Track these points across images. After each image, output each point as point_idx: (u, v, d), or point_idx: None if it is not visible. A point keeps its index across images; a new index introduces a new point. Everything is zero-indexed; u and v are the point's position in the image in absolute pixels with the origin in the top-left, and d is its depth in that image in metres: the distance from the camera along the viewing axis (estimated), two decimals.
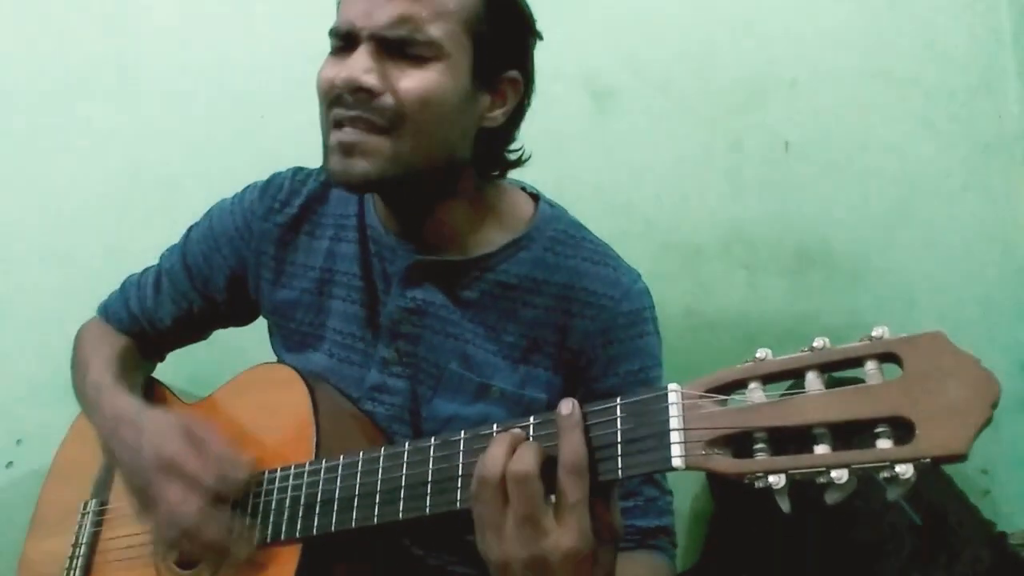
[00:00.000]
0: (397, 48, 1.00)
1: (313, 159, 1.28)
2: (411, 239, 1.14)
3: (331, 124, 1.02)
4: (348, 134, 1.00)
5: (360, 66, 0.99)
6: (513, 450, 0.78)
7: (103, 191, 1.65)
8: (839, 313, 1.94)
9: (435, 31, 1.00)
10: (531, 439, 0.80)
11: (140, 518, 1.06)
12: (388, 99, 0.99)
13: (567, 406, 0.78)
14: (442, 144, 1.05)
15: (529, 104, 1.15)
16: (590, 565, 0.76)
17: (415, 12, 0.99)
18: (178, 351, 1.41)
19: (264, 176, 1.28)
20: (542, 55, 1.15)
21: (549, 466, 0.77)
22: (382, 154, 1.00)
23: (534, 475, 0.76)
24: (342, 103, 1.00)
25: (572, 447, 0.76)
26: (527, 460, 0.76)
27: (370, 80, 0.99)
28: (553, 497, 0.77)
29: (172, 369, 1.41)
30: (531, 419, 0.82)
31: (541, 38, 1.14)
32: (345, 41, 1.02)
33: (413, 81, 1.00)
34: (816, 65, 1.99)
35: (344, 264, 1.19)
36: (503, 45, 1.07)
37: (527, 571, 0.76)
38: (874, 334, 0.66)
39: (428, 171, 1.05)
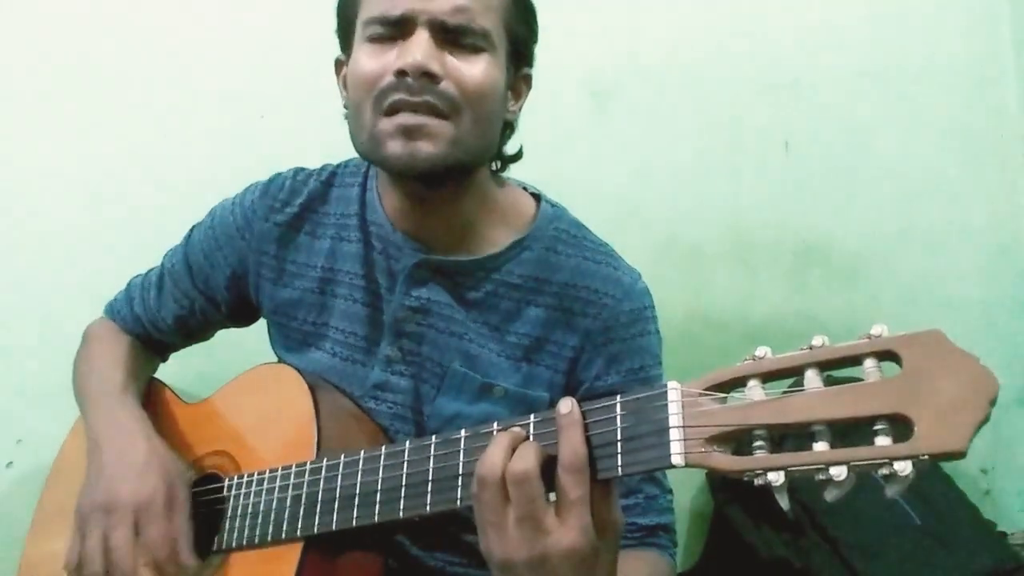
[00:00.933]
0: (452, 37, 1.01)
1: (313, 159, 1.29)
2: (418, 237, 1.14)
3: (383, 110, 1.00)
4: (411, 117, 0.99)
5: (425, 51, 0.99)
6: (513, 449, 0.79)
7: (102, 191, 1.65)
8: (839, 313, 1.94)
9: (486, 23, 1.03)
10: (531, 438, 0.81)
11: (76, 528, 1.07)
12: (449, 86, 1.00)
13: (566, 405, 0.78)
14: (491, 134, 1.08)
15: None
16: (592, 562, 0.76)
17: (470, 3, 1.01)
18: (179, 351, 1.41)
19: (264, 176, 1.28)
20: (542, 55, 1.16)
21: (549, 465, 0.77)
22: (446, 137, 1.00)
23: (534, 474, 0.76)
24: (403, 88, 0.99)
25: (571, 445, 0.76)
26: (527, 459, 0.77)
27: (435, 66, 0.99)
28: (553, 496, 0.77)
29: (173, 369, 1.41)
30: (531, 417, 0.82)
31: (538, 38, 1.16)
32: (395, 28, 1.02)
33: (472, 69, 1.02)
34: (816, 65, 2.00)
35: (346, 263, 1.19)
36: (526, 42, 1.12)
37: (529, 570, 0.77)
38: (873, 332, 0.66)
39: (475, 160, 1.07)
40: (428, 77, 0.99)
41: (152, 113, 1.68)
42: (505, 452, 0.78)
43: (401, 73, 0.99)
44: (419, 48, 0.99)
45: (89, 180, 1.64)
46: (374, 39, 1.03)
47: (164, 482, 1.06)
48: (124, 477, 1.05)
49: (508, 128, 1.15)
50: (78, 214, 1.64)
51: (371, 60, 1.03)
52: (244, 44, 1.73)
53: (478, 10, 1.02)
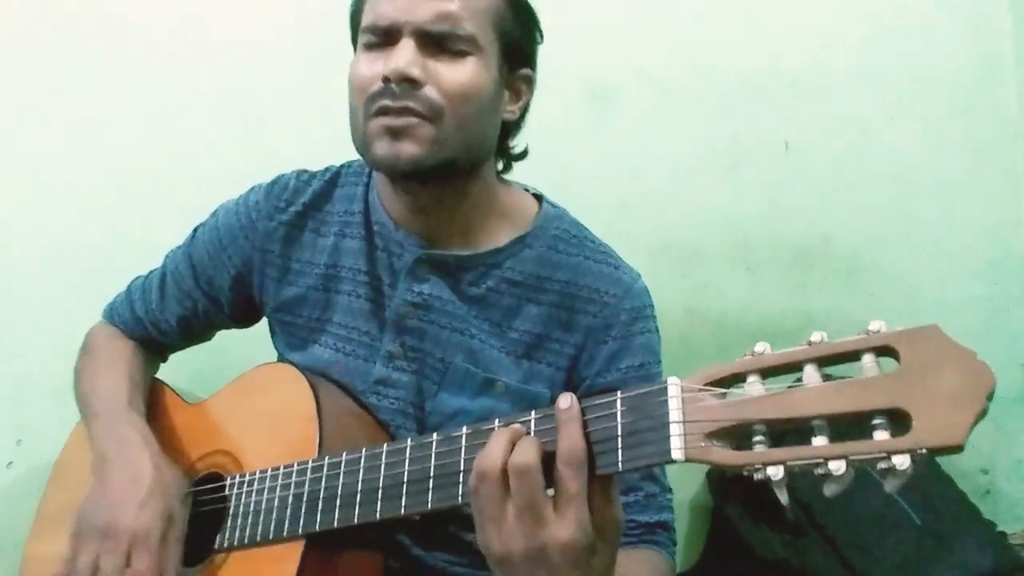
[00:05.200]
0: (437, 43, 1.05)
1: (312, 159, 1.29)
2: (420, 234, 1.16)
3: (372, 113, 1.05)
4: (394, 120, 1.03)
5: (406, 58, 1.03)
6: (513, 444, 0.79)
7: (104, 191, 1.65)
8: (838, 312, 1.95)
9: (471, 27, 1.06)
10: (532, 433, 0.81)
11: (72, 541, 1.08)
12: (431, 90, 1.04)
13: (565, 400, 0.79)
14: (478, 135, 1.10)
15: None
16: (589, 557, 0.77)
17: (453, 9, 1.05)
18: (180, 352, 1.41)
19: (264, 176, 1.29)
20: (542, 55, 1.18)
21: (549, 460, 0.78)
22: (428, 139, 1.04)
23: (535, 467, 0.77)
24: (388, 94, 1.03)
25: (570, 440, 0.77)
26: (527, 453, 0.77)
27: (415, 72, 1.03)
28: (552, 491, 0.78)
29: (175, 369, 1.41)
30: (532, 414, 0.82)
31: (543, 39, 1.18)
32: (384, 37, 1.06)
33: (453, 74, 1.05)
34: (816, 65, 2.00)
35: (349, 260, 1.20)
36: (522, 43, 1.14)
37: (526, 563, 0.77)
38: (871, 328, 0.67)
39: (464, 160, 1.09)
40: (410, 83, 1.03)
41: (152, 113, 1.68)
42: (505, 446, 0.79)
43: (386, 79, 1.03)
44: (402, 56, 1.03)
45: (89, 180, 1.64)
46: (369, 46, 1.08)
47: (162, 516, 1.06)
48: (125, 505, 1.06)
49: (511, 127, 1.18)
50: (78, 214, 1.63)
51: (365, 66, 1.07)
52: (244, 44, 1.73)
53: (463, 15, 1.05)
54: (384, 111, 1.04)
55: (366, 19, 1.08)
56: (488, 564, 0.81)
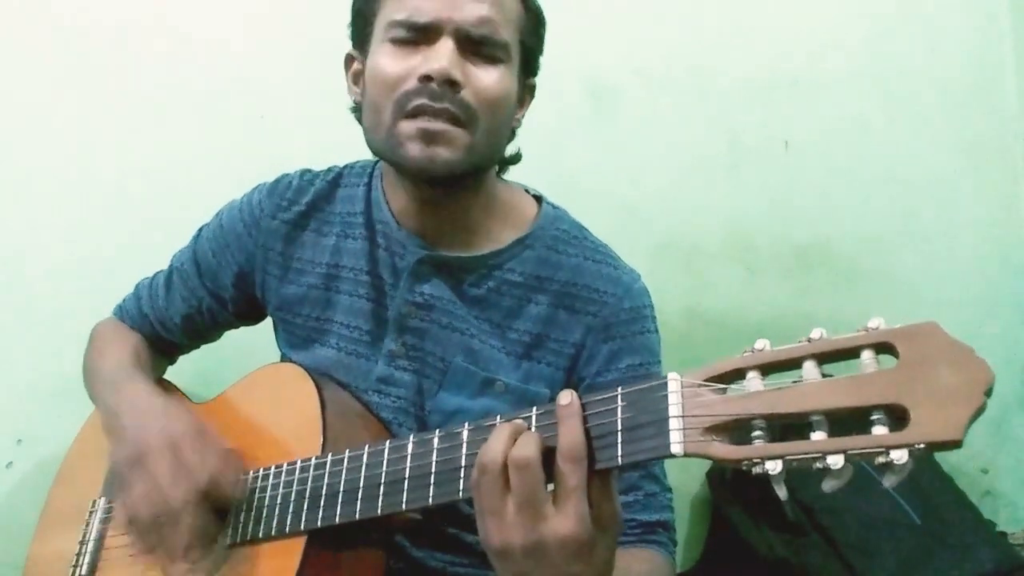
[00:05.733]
0: (474, 47, 1.05)
1: (312, 159, 1.29)
2: (422, 234, 1.16)
3: (405, 113, 1.03)
4: (431, 123, 1.02)
5: (450, 59, 1.02)
6: (514, 439, 0.79)
7: (105, 193, 1.65)
8: (838, 312, 1.95)
9: (506, 35, 1.07)
10: (533, 429, 0.81)
11: (117, 493, 1.05)
12: (468, 95, 1.03)
13: (565, 397, 0.79)
14: (501, 142, 1.12)
15: None
16: (588, 552, 0.77)
17: (493, 15, 1.05)
18: (187, 353, 1.42)
19: (265, 176, 1.29)
20: (542, 55, 1.17)
21: (550, 456, 0.78)
22: (462, 144, 1.03)
23: (535, 461, 0.77)
24: (426, 93, 1.02)
25: (570, 435, 0.77)
26: (528, 447, 0.78)
27: (458, 74, 1.02)
28: (552, 486, 0.78)
29: (181, 369, 1.42)
30: (533, 410, 0.83)
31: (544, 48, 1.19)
32: (420, 33, 1.04)
33: (489, 80, 1.05)
34: (816, 65, 2.00)
35: (351, 260, 1.20)
36: (535, 53, 1.16)
37: (526, 557, 0.77)
38: (870, 325, 0.67)
39: (486, 166, 1.10)
40: (451, 85, 1.02)
41: (152, 113, 1.68)
42: (507, 441, 0.79)
43: (426, 79, 1.02)
44: (445, 56, 1.02)
45: (89, 180, 1.65)
46: (397, 41, 1.06)
47: (190, 419, 1.06)
48: (148, 425, 1.05)
49: (511, 134, 1.19)
50: (79, 215, 1.64)
51: (394, 62, 1.05)
52: (244, 44, 1.73)
53: (500, 22, 1.06)
54: (420, 111, 1.02)
55: (396, 13, 1.06)
56: (488, 558, 0.82)
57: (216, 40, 1.72)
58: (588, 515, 0.76)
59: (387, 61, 1.06)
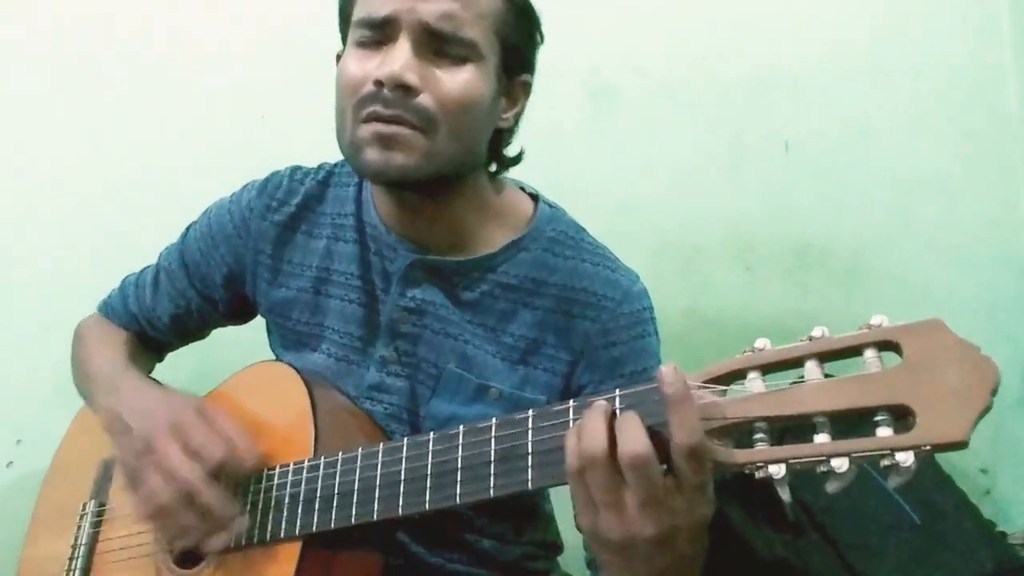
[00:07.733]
0: (436, 45, 1.00)
1: (312, 159, 1.28)
2: (412, 238, 1.13)
3: (362, 118, 1.00)
4: (384, 127, 0.98)
5: (402, 62, 0.97)
6: (611, 425, 0.74)
7: (102, 190, 1.65)
8: (838, 312, 1.94)
9: (473, 32, 1.00)
10: (529, 432, 0.80)
11: (131, 486, 1.02)
12: (426, 99, 0.99)
13: (670, 374, 0.71)
14: (471, 145, 1.06)
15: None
16: (702, 532, 0.77)
17: (457, 11, 0.99)
18: (176, 350, 1.41)
19: (259, 175, 1.28)
20: (542, 54, 1.15)
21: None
22: (419, 150, 0.99)
23: (652, 457, 0.72)
24: (379, 100, 0.98)
25: (686, 428, 0.70)
26: (639, 440, 0.72)
27: (412, 78, 0.97)
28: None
29: (171, 367, 1.40)
30: (529, 412, 0.81)
31: (543, 41, 1.14)
32: (379, 32, 1.00)
33: (452, 83, 1.00)
34: (816, 65, 2.00)
35: (342, 263, 1.18)
36: (523, 49, 1.09)
37: (653, 546, 0.74)
38: (873, 322, 0.67)
39: (455, 171, 1.05)
40: (404, 90, 0.97)
41: (152, 113, 1.68)
42: (606, 429, 0.74)
43: (379, 83, 0.98)
44: (399, 59, 0.97)
45: (88, 180, 1.64)
46: (361, 43, 1.03)
47: (190, 402, 1.04)
48: (149, 413, 1.03)
49: (505, 134, 1.14)
50: (78, 214, 1.63)
51: (355, 65, 1.02)
52: (244, 44, 1.73)
53: (466, 19, 1.00)
54: (374, 117, 0.98)
55: (359, 12, 1.03)
56: (593, 546, 0.78)
57: (216, 40, 1.72)
58: (714, 495, 0.74)
59: (350, 64, 1.02)
